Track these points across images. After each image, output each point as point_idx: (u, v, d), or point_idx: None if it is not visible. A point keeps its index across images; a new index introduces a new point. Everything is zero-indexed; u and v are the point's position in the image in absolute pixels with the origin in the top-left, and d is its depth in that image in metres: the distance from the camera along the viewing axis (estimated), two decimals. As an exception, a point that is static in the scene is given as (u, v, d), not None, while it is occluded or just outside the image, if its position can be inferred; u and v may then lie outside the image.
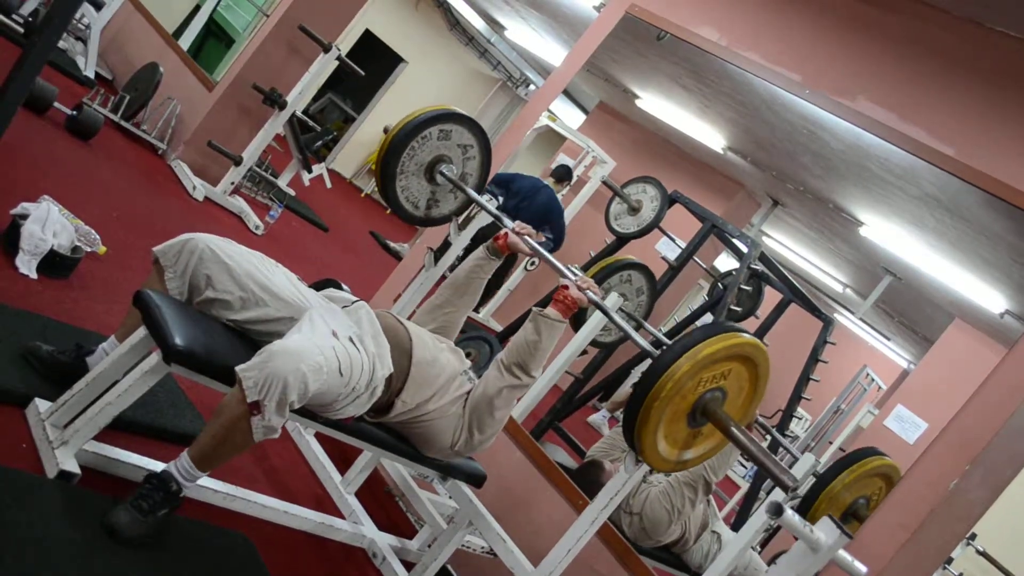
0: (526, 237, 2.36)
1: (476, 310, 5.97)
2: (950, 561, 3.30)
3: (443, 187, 2.57)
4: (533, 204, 4.40)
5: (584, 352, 3.48)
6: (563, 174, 4.77)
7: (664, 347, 1.82)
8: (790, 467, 2.40)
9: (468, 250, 2.60)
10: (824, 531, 1.67)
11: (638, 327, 3.59)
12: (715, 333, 1.80)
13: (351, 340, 1.97)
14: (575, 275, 2.19)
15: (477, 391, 2.18)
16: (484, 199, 2.57)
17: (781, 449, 3.61)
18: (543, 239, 4.53)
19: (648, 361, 1.87)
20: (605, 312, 2.14)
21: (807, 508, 2.50)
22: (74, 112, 4.07)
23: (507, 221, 2.43)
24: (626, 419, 1.80)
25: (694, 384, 1.78)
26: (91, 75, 5.24)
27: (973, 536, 3.37)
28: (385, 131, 2.47)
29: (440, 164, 2.51)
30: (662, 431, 1.82)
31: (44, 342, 2.11)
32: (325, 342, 1.87)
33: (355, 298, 2.24)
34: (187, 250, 2.00)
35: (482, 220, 3.46)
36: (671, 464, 1.92)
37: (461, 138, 2.52)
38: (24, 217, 2.58)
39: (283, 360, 1.72)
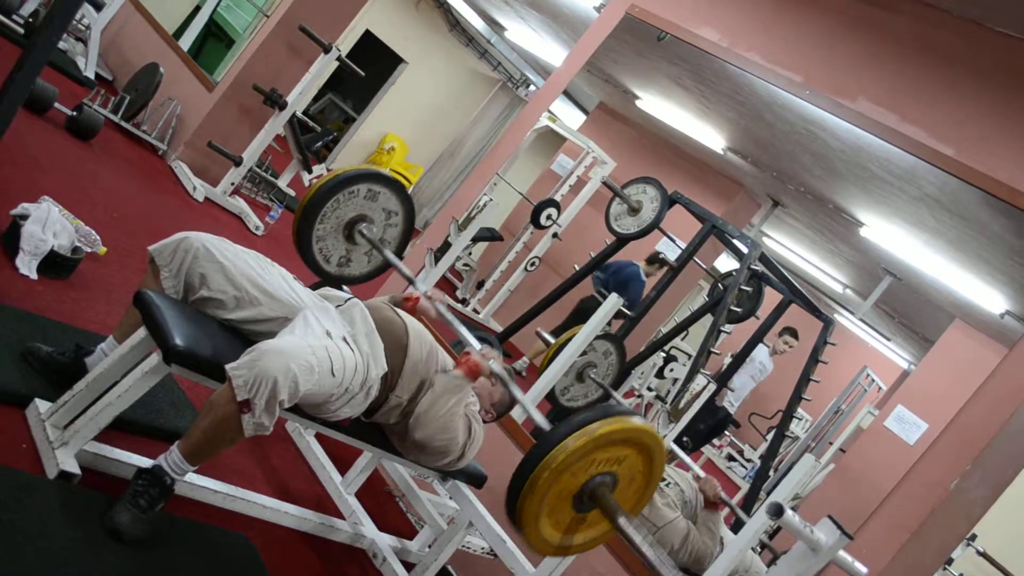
0: (437, 303, 2.37)
1: (476, 311, 5.98)
2: (950, 562, 3.30)
3: (359, 248, 2.50)
4: (619, 277, 4.83)
5: (584, 353, 3.48)
6: (654, 259, 5.01)
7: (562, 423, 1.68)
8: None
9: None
10: (824, 532, 1.67)
11: (607, 397, 3.61)
12: (615, 414, 1.67)
13: (345, 340, 1.97)
14: (479, 345, 2.21)
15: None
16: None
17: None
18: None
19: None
20: (503, 381, 2.13)
21: None
22: (74, 113, 4.07)
23: (420, 285, 2.44)
24: (509, 490, 1.65)
25: (586, 463, 1.65)
26: (91, 76, 5.24)
27: (973, 537, 3.37)
28: (309, 185, 2.42)
29: (361, 223, 2.45)
30: (546, 508, 1.67)
31: (44, 342, 2.11)
32: (317, 342, 1.87)
33: (349, 296, 2.24)
34: (182, 249, 2.00)
35: (482, 220, 3.47)
36: (552, 548, 1.78)
37: (388, 203, 2.47)
38: (24, 218, 2.58)
39: (273, 359, 1.73)
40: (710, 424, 4.93)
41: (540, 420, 1.93)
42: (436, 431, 2.10)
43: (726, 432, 5.14)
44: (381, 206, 2.47)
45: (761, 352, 4.83)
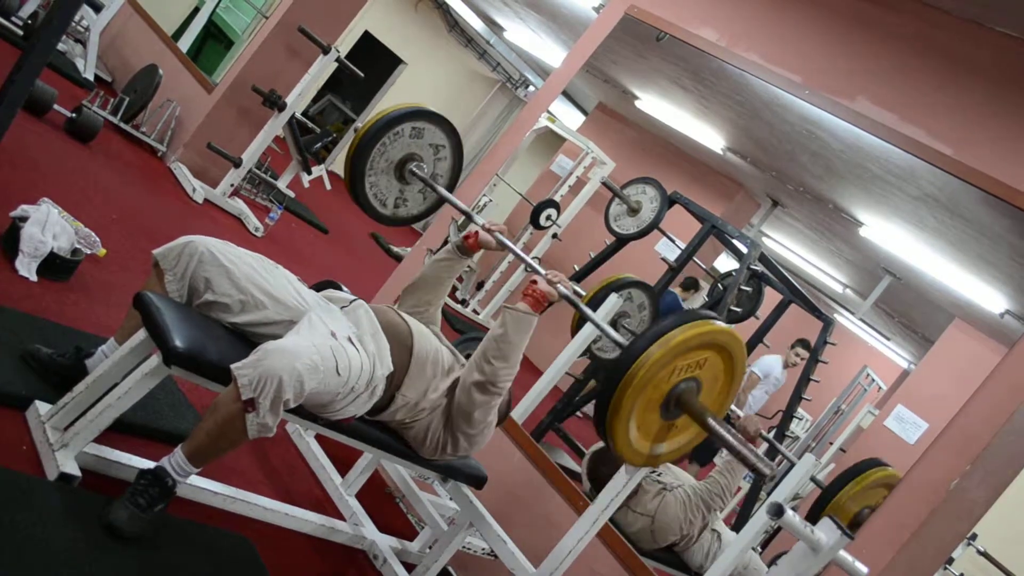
0: (496, 233, 2.35)
1: (476, 312, 5.98)
2: (951, 561, 3.30)
3: (412, 187, 2.52)
4: (660, 306, 4.87)
5: (585, 353, 3.48)
6: (690, 284, 5.06)
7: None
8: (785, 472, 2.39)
9: None
10: (825, 532, 1.67)
11: None
12: (689, 320, 1.70)
13: (350, 340, 1.97)
14: (544, 270, 2.16)
15: (456, 392, 2.16)
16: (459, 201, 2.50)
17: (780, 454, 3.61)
18: None
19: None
20: (574, 304, 2.06)
21: (814, 520, 2.50)
22: (73, 114, 4.07)
23: (477, 219, 2.42)
24: (597, 408, 1.70)
25: (668, 373, 1.69)
26: (90, 77, 5.24)
27: (974, 536, 3.37)
28: (355, 131, 2.44)
29: (411, 162, 2.46)
30: (635, 421, 1.72)
31: (44, 344, 2.11)
32: (322, 342, 1.87)
33: (353, 297, 2.24)
34: (187, 253, 2.00)
35: (483, 220, 3.46)
36: (644, 457, 1.83)
37: (433, 138, 2.47)
38: (24, 219, 2.58)
39: (278, 359, 1.73)
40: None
41: (616, 336, 1.93)
42: (503, 367, 2.07)
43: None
44: (428, 142, 2.47)
45: (776, 367, 4.82)
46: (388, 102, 9.68)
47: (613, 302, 3.03)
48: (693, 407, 1.74)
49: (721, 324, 1.75)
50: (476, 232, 2.38)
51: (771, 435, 4.22)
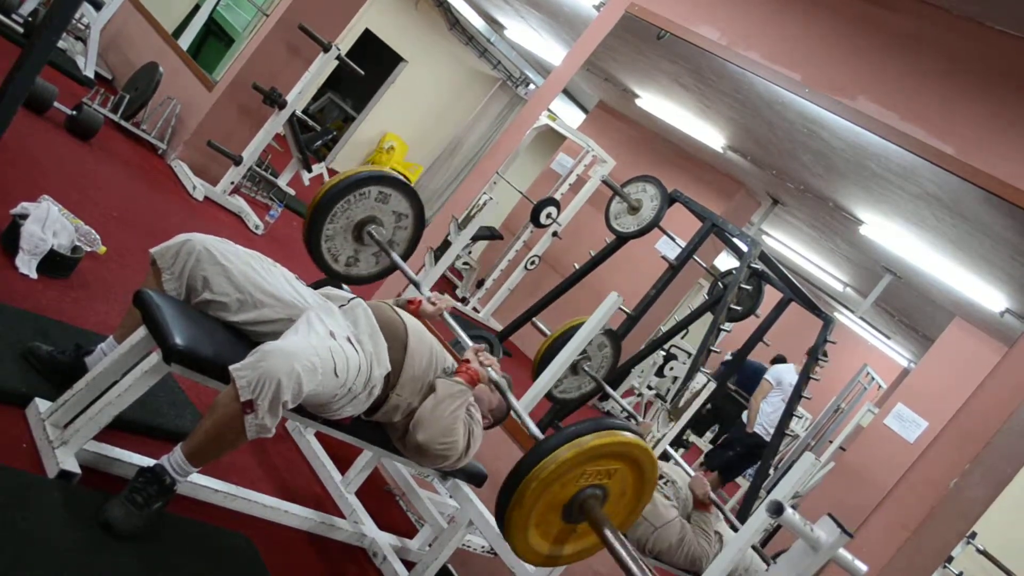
0: (442, 310, 2.41)
1: (476, 310, 5.98)
2: (950, 560, 3.30)
3: (367, 249, 2.53)
4: (747, 369, 4.87)
5: (584, 352, 3.48)
6: (778, 359, 5.13)
7: (550, 433, 1.72)
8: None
9: None
10: (825, 530, 1.67)
11: (600, 389, 3.59)
12: (607, 428, 1.69)
13: (348, 340, 1.97)
14: (478, 353, 2.25)
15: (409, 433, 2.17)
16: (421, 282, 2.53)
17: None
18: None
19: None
20: (501, 391, 2.19)
21: None
22: (74, 112, 4.07)
23: (424, 289, 2.45)
24: (498, 499, 1.67)
25: (576, 475, 1.67)
26: (91, 75, 5.24)
27: (973, 535, 3.37)
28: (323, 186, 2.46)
29: (371, 224, 2.47)
30: (534, 519, 1.69)
31: (44, 342, 2.11)
32: (321, 343, 1.87)
33: (352, 296, 2.24)
34: (184, 251, 2.00)
35: (482, 219, 3.47)
36: (540, 558, 1.79)
37: (399, 206, 2.49)
38: (24, 217, 2.58)
39: (277, 360, 1.73)
40: (740, 452, 4.92)
41: (534, 430, 1.96)
42: (437, 435, 2.09)
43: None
44: (392, 208, 2.48)
45: (787, 375, 4.82)
46: (388, 100, 9.70)
47: (613, 300, 3.03)
48: (594, 515, 1.70)
49: (638, 439, 1.72)
50: (420, 301, 2.43)
51: (771, 436, 4.22)
